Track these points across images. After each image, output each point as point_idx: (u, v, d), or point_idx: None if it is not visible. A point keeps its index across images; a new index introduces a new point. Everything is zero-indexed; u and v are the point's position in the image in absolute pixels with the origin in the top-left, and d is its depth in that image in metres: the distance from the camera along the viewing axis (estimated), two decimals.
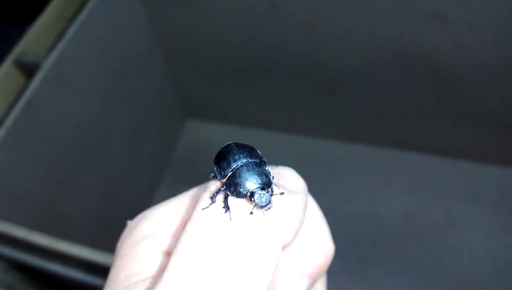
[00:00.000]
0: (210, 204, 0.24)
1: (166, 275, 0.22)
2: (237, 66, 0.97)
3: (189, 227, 0.24)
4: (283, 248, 0.25)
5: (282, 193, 0.25)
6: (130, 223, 0.30)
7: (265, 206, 0.24)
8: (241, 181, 0.25)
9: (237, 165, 0.26)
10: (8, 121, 0.65)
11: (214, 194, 0.25)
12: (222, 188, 0.25)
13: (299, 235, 0.27)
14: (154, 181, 1.06)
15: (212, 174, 0.27)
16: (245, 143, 0.28)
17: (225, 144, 0.28)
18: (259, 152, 0.27)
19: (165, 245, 0.28)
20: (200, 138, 1.11)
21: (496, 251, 0.88)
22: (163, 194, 1.04)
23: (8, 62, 0.73)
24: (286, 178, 0.28)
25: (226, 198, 0.25)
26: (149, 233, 0.28)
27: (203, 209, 0.24)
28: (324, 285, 0.31)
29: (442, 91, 0.87)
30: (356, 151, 1.03)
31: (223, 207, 0.24)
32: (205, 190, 0.26)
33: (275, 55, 0.92)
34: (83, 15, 0.75)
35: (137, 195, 0.99)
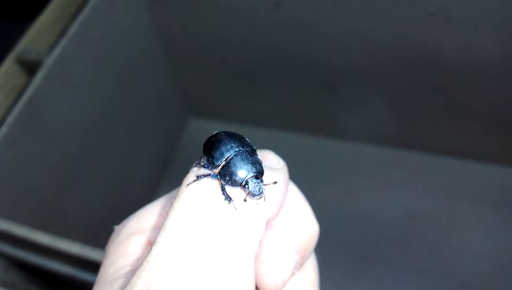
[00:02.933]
0: (194, 181, 0.25)
1: (155, 248, 0.23)
2: (239, 64, 0.97)
3: (176, 204, 0.25)
4: (269, 221, 0.26)
5: (275, 183, 0.27)
6: (117, 228, 0.31)
7: (258, 195, 0.25)
8: (236, 170, 0.26)
9: (230, 154, 0.26)
10: (10, 119, 0.65)
11: (201, 176, 0.26)
12: (212, 175, 0.26)
13: (284, 214, 0.28)
14: (156, 180, 1.06)
15: (197, 163, 0.28)
16: (233, 132, 0.29)
17: (213, 133, 0.29)
18: (248, 140, 0.28)
19: (154, 238, 0.28)
20: (202, 137, 1.10)
21: (498, 251, 0.88)
22: (164, 193, 1.03)
23: (10, 59, 0.73)
24: (267, 158, 0.29)
25: (224, 188, 0.25)
26: (137, 230, 0.29)
27: (187, 184, 0.25)
28: (315, 269, 0.31)
29: (444, 91, 0.87)
30: (359, 150, 1.03)
31: (225, 199, 0.25)
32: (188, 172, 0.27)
33: (277, 54, 0.91)
34: (85, 13, 0.75)
35: (138, 194, 0.99)
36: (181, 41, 0.96)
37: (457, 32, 0.76)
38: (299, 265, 0.28)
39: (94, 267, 0.52)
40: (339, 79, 0.92)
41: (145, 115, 0.98)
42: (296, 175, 0.30)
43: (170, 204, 0.25)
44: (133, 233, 0.29)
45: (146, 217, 0.30)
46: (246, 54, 0.94)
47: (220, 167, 0.26)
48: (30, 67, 0.72)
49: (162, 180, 1.07)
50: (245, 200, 0.25)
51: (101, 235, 0.83)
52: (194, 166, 0.28)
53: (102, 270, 0.28)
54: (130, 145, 0.94)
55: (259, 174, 0.26)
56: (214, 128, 1.09)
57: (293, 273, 0.28)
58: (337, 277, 0.88)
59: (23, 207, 0.69)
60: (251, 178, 0.26)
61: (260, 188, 0.25)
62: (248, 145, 0.28)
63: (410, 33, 0.79)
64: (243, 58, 0.95)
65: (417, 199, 0.96)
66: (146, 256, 0.23)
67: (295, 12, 0.82)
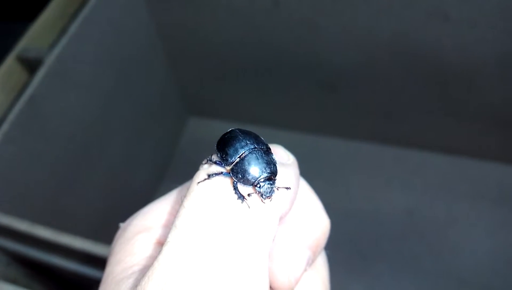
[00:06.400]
0: (205, 179, 0.25)
1: (166, 248, 0.22)
2: (239, 63, 0.97)
3: (186, 202, 0.24)
4: (281, 217, 0.26)
5: (288, 188, 0.26)
6: (122, 225, 0.30)
7: (267, 196, 0.25)
8: (249, 168, 0.25)
9: (245, 151, 0.26)
10: (11, 116, 0.65)
11: (212, 174, 0.25)
12: (224, 172, 0.25)
13: (295, 210, 0.28)
14: (156, 178, 1.06)
15: (208, 160, 0.27)
16: (248, 130, 0.28)
17: (228, 130, 0.28)
18: (263, 138, 0.28)
19: (161, 236, 0.28)
20: (202, 136, 1.11)
21: (496, 248, 0.88)
22: (165, 191, 1.03)
23: (11, 57, 0.73)
24: (276, 153, 0.29)
25: (236, 186, 0.25)
26: (143, 228, 0.28)
27: (198, 182, 0.25)
28: (325, 265, 0.31)
29: (443, 89, 0.87)
30: (358, 148, 1.03)
31: (238, 198, 0.24)
32: (198, 169, 0.26)
33: (277, 53, 0.92)
34: (85, 12, 0.76)
35: (139, 192, 0.99)
36: (181, 40, 0.96)
37: (455, 30, 0.76)
38: (311, 261, 0.28)
39: (96, 261, 0.53)
40: (338, 78, 0.92)
41: (145, 113, 0.98)
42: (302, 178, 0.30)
43: (180, 202, 0.25)
44: (139, 231, 0.28)
45: (152, 214, 0.29)
46: (245, 53, 0.94)
47: (233, 164, 0.25)
48: (31, 66, 0.72)
49: (162, 178, 1.07)
50: (249, 195, 0.24)
51: (102, 231, 0.84)
52: (205, 163, 0.27)
53: (108, 269, 0.27)
54: (131, 143, 0.95)
55: (272, 175, 0.25)
56: (214, 127, 1.10)
57: (305, 270, 0.27)
58: (336, 274, 0.88)
59: (24, 203, 0.69)
60: (264, 179, 0.25)
61: (271, 191, 0.25)
62: (263, 143, 0.27)
63: (409, 31, 0.79)
64: (242, 57, 0.95)
65: (416, 197, 0.96)
66: (156, 256, 0.23)
67: (294, 11, 0.83)
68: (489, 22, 0.73)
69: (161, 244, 0.28)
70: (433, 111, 0.92)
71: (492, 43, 0.76)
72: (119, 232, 0.30)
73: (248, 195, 0.24)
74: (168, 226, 0.28)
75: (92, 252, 0.50)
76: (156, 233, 0.28)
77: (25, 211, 0.68)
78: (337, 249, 0.91)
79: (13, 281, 0.61)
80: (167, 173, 1.08)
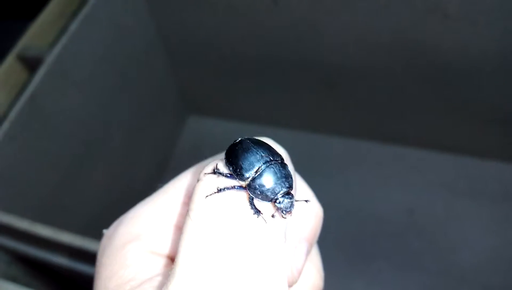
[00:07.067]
0: (215, 193, 0.23)
1: (178, 269, 0.21)
2: (238, 62, 0.97)
3: (195, 216, 0.23)
4: None
5: (307, 201, 0.26)
6: (107, 232, 0.29)
7: (288, 211, 0.24)
8: (269, 184, 0.24)
9: (261, 165, 0.24)
10: (12, 115, 0.65)
11: (223, 188, 0.24)
12: (236, 186, 0.24)
13: None
14: (156, 176, 1.06)
15: (215, 170, 0.25)
16: (259, 139, 0.26)
17: (237, 140, 0.26)
18: (274, 148, 0.26)
19: (153, 245, 0.27)
20: (201, 134, 1.11)
21: (496, 246, 0.88)
22: None
23: (11, 56, 0.74)
24: None
25: (252, 201, 0.24)
26: (132, 236, 0.27)
27: (207, 196, 0.23)
28: (317, 253, 0.31)
29: (443, 87, 0.87)
30: (357, 146, 1.04)
31: (254, 213, 0.23)
32: (201, 179, 0.25)
33: (276, 51, 0.92)
34: (85, 11, 0.76)
35: (138, 190, 0.99)
36: (181, 38, 0.96)
37: (454, 28, 0.76)
38: (309, 252, 0.28)
39: (95, 260, 0.53)
40: (338, 76, 0.92)
41: (145, 111, 0.99)
42: (296, 171, 0.29)
43: (182, 213, 0.23)
44: (129, 240, 0.27)
45: (139, 219, 0.27)
46: (245, 51, 0.94)
47: (249, 179, 0.24)
48: (31, 64, 0.73)
49: (162, 177, 1.07)
50: (273, 216, 0.23)
51: (101, 230, 0.83)
52: (210, 172, 0.25)
53: (101, 283, 0.26)
54: (130, 141, 0.95)
55: (290, 188, 0.24)
56: (214, 125, 1.09)
57: (305, 261, 0.27)
58: (336, 272, 0.88)
59: (25, 201, 0.69)
60: (283, 194, 0.24)
61: (292, 205, 0.24)
62: (277, 154, 0.25)
63: (408, 29, 0.79)
64: (242, 55, 0.95)
65: (416, 195, 0.96)
66: (169, 278, 0.21)
67: (293, 10, 0.83)
68: (489, 20, 0.73)
69: (155, 254, 0.26)
70: (433, 109, 0.92)
71: (492, 41, 0.76)
72: (104, 241, 0.28)
73: (272, 216, 0.24)
74: (163, 234, 0.27)
75: (92, 250, 0.50)
76: (147, 241, 0.27)
77: (25, 210, 0.68)
78: (337, 247, 0.91)
79: (13, 279, 0.61)
80: (167, 171, 1.08)
